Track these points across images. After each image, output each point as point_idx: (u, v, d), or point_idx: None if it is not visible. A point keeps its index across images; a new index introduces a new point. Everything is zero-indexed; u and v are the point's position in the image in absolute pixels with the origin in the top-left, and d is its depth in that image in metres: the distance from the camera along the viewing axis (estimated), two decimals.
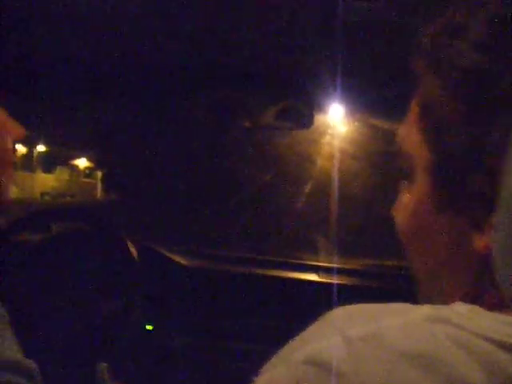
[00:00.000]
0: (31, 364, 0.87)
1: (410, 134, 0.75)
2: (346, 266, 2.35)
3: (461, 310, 0.64)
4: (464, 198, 0.68)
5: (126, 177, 3.17)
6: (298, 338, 0.69)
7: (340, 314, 0.68)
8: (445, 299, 0.71)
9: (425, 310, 0.65)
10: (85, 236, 2.12)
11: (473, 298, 0.68)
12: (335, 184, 2.46)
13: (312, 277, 2.27)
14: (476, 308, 0.65)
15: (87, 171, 3.79)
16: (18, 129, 1.05)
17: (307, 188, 2.56)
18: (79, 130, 3.15)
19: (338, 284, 2.23)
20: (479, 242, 0.67)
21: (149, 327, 2.12)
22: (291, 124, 2.04)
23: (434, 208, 0.72)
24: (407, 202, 0.77)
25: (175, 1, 1.76)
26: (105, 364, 1.82)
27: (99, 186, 3.61)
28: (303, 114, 1.97)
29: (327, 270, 2.28)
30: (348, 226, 2.59)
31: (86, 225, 2.13)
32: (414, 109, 0.74)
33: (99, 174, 3.55)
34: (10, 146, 1.02)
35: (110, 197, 3.57)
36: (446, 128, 0.68)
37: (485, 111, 0.65)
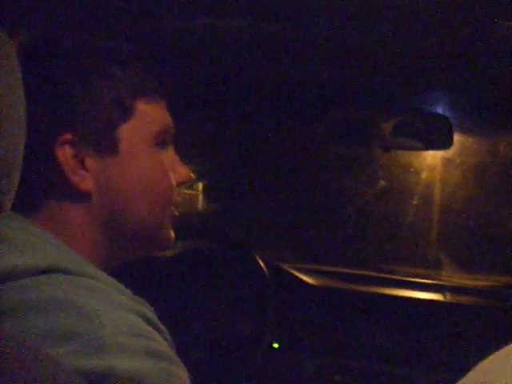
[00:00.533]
0: None
1: None
2: (471, 284, 2.31)
3: None
4: None
5: (229, 188, 3.18)
6: (486, 369, 0.64)
7: None
8: None
9: None
10: (215, 254, 2.13)
11: None
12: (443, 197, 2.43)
13: (437, 296, 2.23)
14: None
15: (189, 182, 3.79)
16: (184, 172, 1.07)
17: (426, 206, 2.53)
18: (179, 141, 3.16)
19: (464, 304, 2.19)
20: None
21: (275, 345, 2.12)
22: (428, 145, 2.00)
23: None
24: None
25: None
26: None
27: (201, 197, 3.62)
28: (441, 132, 1.93)
29: (453, 290, 2.25)
30: (463, 241, 2.55)
31: (213, 242, 2.14)
32: None
33: (200, 185, 3.56)
34: (173, 187, 1.04)
35: (212, 209, 3.58)
36: None
37: None
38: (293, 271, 2.22)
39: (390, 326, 2.13)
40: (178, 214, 1.09)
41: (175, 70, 1.93)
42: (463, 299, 2.22)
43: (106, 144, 0.97)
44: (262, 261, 2.03)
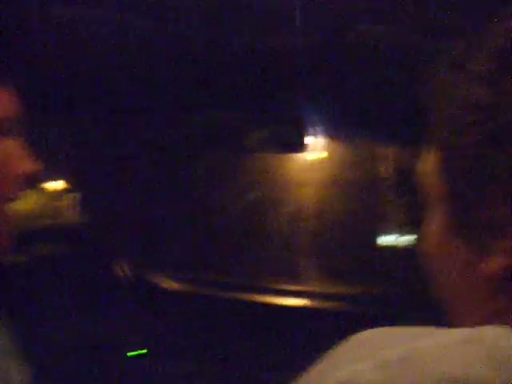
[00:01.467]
0: None
1: (426, 168, 0.75)
2: (334, 292, 2.33)
3: (498, 332, 0.62)
4: (472, 225, 0.67)
5: (105, 200, 3.12)
6: (324, 363, 0.66)
7: (370, 336, 0.66)
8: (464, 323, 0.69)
9: (457, 332, 0.63)
10: (70, 258, 2.08)
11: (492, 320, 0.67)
12: (319, 209, 2.46)
13: (303, 303, 2.25)
14: (507, 329, 0.63)
15: (64, 193, 3.72)
16: (28, 164, 0.97)
17: (295, 213, 2.54)
18: (55, 151, 3.10)
19: (325, 309, 2.22)
20: (486, 266, 0.66)
21: (141, 352, 2.08)
22: (280, 148, 2.02)
23: (448, 236, 0.72)
24: (426, 233, 0.77)
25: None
26: None
27: (76, 208, 3.55)
28: (293, 138, 1.96)
29: (316, 296, 2.27)
30: (332, 251, 2.57)
31: (71, 247, 2.09)
32: (430, 144, 0.74)
33: (76, 196, 3.48)
34: (9, 181, 0.95)
35: (85, 220, 3.51)
36: (459, 158, 0.68)
37: (494, 144, 0.65)
38: (153, 277, 2.19)
39: (255, 331, 2.13)
40: (11, 213, 0.95)
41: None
42: (326, 305, 2.24)
43: None
44: (123, 267, 2.01)
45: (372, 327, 0.66)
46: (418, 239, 0.79)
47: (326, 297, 2.29)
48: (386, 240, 2.86)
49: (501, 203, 0.64)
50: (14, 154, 0.98)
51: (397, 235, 2.95)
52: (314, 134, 2.09)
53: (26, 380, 0.88)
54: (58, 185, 3.55)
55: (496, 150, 0.65)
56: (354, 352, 0.63)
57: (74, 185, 3.38)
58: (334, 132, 2.24)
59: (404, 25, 1.59)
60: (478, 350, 0.59)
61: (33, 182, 1.00)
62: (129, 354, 2.08)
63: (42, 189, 4.05)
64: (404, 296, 2.32)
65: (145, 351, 2.06)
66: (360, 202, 2.56)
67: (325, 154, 2.35)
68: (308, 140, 2.11)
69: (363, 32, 1.59)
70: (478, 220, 0.68)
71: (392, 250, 2.89)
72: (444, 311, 0.79)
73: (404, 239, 2.95)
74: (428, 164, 0.75)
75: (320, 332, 2.07)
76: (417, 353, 0.59)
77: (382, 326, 0.66)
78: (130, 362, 2.09)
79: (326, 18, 1.69)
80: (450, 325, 0.69)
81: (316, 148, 2.28)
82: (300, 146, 2.03)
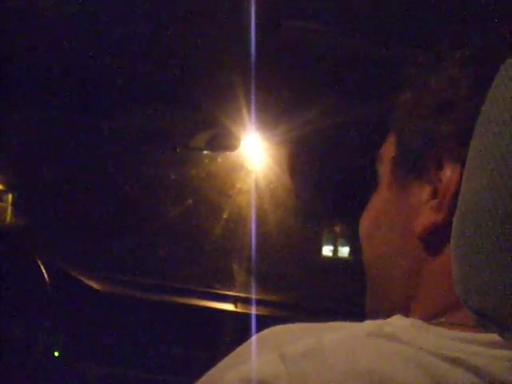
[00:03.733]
0: None
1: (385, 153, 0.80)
2: (264, 297, 2.33)
3: (401, 324, 0.62)
4: (414, 181, 0.71)
5: (38, 200, 3.07)
6: (226, 360, 0.65)
7: (275, 332, 0.65)
8: (390, 311, 0.69)
9: (365, 325, 0.63)
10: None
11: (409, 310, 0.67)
12: (253, 213, 2.45)
13: (229, 307, 2.23)
14: (417, 322, 0.62)
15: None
16: None
17: (225, 215, 2.53)
18: None
19: (255, 315, 2.20)
20: (417, 223, 0.68)
21: (56, 354, 2.03)
22: (219, 148, 2.02)
23: (391, 196, 0.74)
24: (371, 205, 0.79)
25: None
26: None
27: (10, 209, 3.48)
28: (231, 139, 1.96)
29: (245, 301, 2.25)
30: (265, 256, 2.57)
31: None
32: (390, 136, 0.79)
33: (10, 197, 3.41)
34: None
35: (21, 221, 3.44)
36: (408, 132, 0.72)
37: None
38: (78, 276, 2.15)
39: (178, 334, 2.11)
40: None
41: None
42: (255, 310, 2.23)
43: None
44: (46, 264, 1.96)
45: None
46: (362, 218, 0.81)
47: (257, 302, 2.28)
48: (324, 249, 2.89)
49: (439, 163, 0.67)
50: None
51: (331, 247, 2.97)
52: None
53: None
54: None
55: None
56: (258, 348, 0.62)
57: (10, 185, 3.32)
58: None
59: None
60: (387, 344, 0.59)
61: None
62: (56, 353, 2.03)
63: None
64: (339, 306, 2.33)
65: (57, 353, 2.01)
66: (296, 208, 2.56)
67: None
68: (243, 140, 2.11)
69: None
70: (419, 177, 0.70)
71: (328, 260, 2.91)
72: (368, 297, 0.79)
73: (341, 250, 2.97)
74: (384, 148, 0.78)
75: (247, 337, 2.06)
76: (322, 346, 0.59)
77: None
78: (57, 362, 2.04)
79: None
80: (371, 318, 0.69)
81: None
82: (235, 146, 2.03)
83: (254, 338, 0.66)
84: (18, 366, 1.85)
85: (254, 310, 2.21)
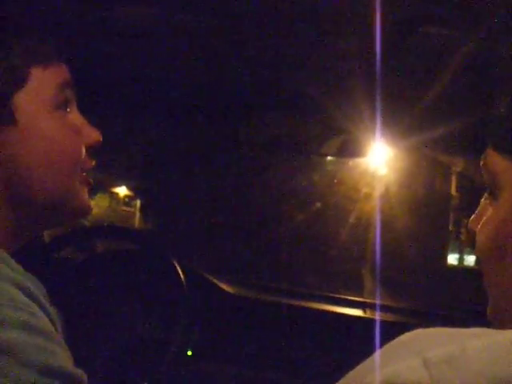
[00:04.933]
0: (82, 375, 0.85)
1: (495, 156, 0.76)
2: (391, 304, 2.31)
3: None
4: None
5: (166, 206, 3.16)
6: (368, 362, 0.66)
7: (417, 336, 0.65)
8: None
9: (509, 333, 0.62)
10: (132, 256, 2.10)
11: None
12: (377, 220, 2.45)
13: (357, 312, 2.23)
14: None
15: (126, 199, 3.79)
16: (93, 134, 1.05)
17: (352, 221, 2.54)
18: (121, 157, 3.16)
19: (383, 321, 2.19)
20: None
21: (189, 353, 2.09)
22: (349, 154, 2.03)
23: None
24: (490, 218, 0.76)
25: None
26: None
27: (138, 214, 3.61)
28: (360, 145, 1.97)
29: (373, 307, 2.25)
30: (392, 263, 2.55)
31: (133, 245, 2.11)
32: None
33: (138, 202, 3.54)
34: (81, 151, 1.02)
35: (148, 226, 3.56)
36: None
37: None
38: (212, 279, 2.20)
39: (306, 338, 2.12)
40: (91, 180, 1.05)
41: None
42: (383, 316, 2.22)
43: (2, 114, 0.94)
44: (180, 266, 2.01)
45: None
46: (473, 220, 0.79)
47: (384, 309, 2.27)
48: (450, 257, 2.84)
49: None
50: (82, 124, 1.04)
51: (459, 253, 2.92)
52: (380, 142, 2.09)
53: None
54: (122, 191, 3.62)
55: None
56: (400, 351, 0.63)
57: (137, 191, 3.44)
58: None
59: None
60: None
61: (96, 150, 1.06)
62: (189, 352, 2.09)
63: (113, 193, 4.14)
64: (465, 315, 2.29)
65: (190, 353, 2.07)
66: (422, 215, 2.54)
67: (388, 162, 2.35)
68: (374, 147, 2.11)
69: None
70: None
71: (454, 267, 2.87)
72: (491, 308, 0.78)
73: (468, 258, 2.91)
74: (496, 158, 0.75)
75: (377, 344, 2.05)
76: (465, 353, 0.59)
77: None
78: (190, 360, 2.10)
79: None
80: (494, 324, 0.69)
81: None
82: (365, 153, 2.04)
83: (395, 342, 0.66)
84: (155, 365, 1.91)
85: (381, 317, 2.20)
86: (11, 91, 0.96)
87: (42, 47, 1.00)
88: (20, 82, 0.96)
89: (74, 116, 1.03)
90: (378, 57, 1.66)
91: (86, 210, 1.05)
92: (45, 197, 0.98)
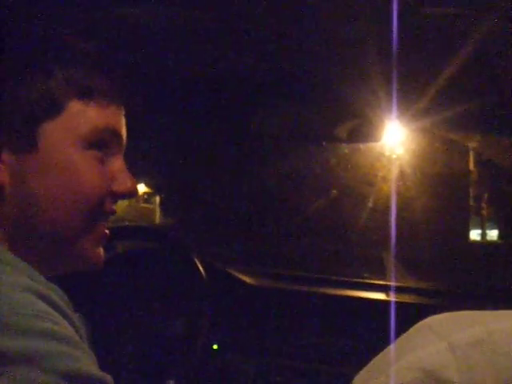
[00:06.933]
0: (107, 377, 0.85)
1: None
2: (413, 285, 2.31)
3: None
4: None
5: (185, 201, 3.17)
6: (392, 348, 0.65)
7: (440, 320, 0.65)
8: None
9: None
10: (152, 254, 2.11)
11: None
12: (393, 201, 2.44)
13: (380, 296, 2.23)
14: None
15: (145, 196, 3.80)
16: (127, 182, 0.99)
17: (370, 204, 2.53)
18: (138, 155, 3.17)
19: (406, 303, 2.18)
20: None
21: (215, 346, 2.10)
22: (362, 139, 2.02)
23: None
24: None
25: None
26: (172, 381, 1.81)
27: (158, 211, 3.62)
28: (373, 129, 1.96)
29: (395, 289, 2.24)
30: (413, 244, 2.55)
31: (153, 243, 2.12)
32: None
33: (157, 199, 3.55)
34: (103, 195, 0.96)
35: (168, 222, 3.57)
36: None
37: None
38: (232, 271, 2.21)
39: (330, 325, 2.13)
40: (107, 231, 1.00)
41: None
42: (406, 298, 2.21)
43: (23, 138, 0.92)
44: (201, 261, 2.02)
45: None
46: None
47: (406, 291, 2.26)
48: (472, 233, 2.82)
49: None
50: (119, 171, 0.99)
51: (479, 231, 2.90)
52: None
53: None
54: (141, 188, 3.63)
55: None
56: (424, 336, 0.63)
57: (157, 187, 3.45)
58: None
59: None
60: None
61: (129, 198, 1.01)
62: (215, 346, 2.10)
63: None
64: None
65: (216, 346, 2.08)
66: (440, 193, 2.53)
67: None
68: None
69: None
70: None
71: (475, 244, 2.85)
72: None
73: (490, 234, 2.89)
74: None
75: (400, 327, 2.04)
76: (491, 336, 0.58)
77: None
78: (216, 354, 2.11)
79: None
80: None
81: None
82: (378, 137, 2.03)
83: (419, 325, 0.66)
84: (182, 361, 1.93)
85: (405, 299, 2.19)
86: (41, 118, 0.93)
87: (91, 81, 0.96)
88: (53, 110, 0.93)
89: (112, 161, 0.98)
90: (394, 38, 1.65)
91: (90, 263, 1.01)
92: (48, 233, 0.95)
